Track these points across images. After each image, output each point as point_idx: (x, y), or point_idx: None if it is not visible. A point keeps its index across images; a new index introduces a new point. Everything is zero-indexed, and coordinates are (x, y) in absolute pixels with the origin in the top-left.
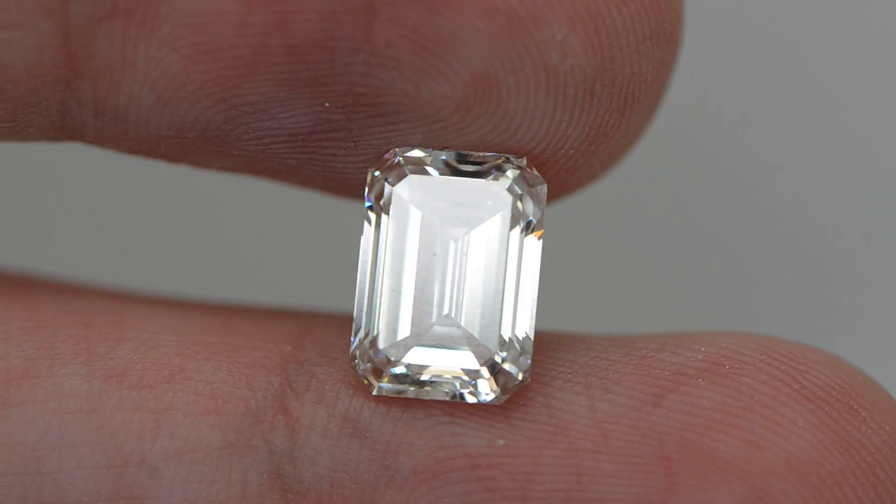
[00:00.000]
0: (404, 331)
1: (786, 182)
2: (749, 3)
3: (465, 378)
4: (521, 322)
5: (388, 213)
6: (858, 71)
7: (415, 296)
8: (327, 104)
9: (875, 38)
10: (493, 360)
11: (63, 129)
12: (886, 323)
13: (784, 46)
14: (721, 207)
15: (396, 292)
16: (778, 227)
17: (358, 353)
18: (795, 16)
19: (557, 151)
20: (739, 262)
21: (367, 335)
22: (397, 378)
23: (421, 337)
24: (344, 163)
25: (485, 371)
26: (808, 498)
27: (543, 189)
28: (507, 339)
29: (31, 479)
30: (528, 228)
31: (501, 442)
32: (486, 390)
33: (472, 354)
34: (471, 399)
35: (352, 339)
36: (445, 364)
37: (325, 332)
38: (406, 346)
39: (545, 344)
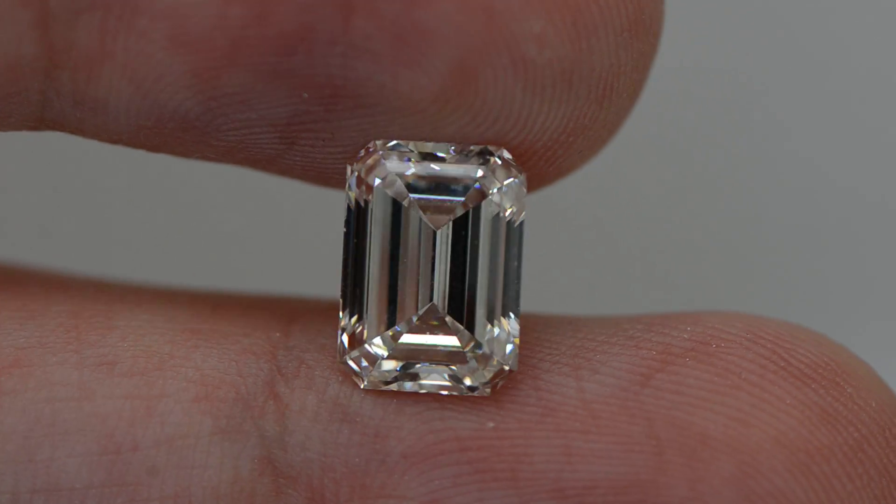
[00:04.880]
0: (389, 323)
1: (768, 165)
2: None
3: (453, 369)
4: (507, 311)
5: (369, 205)
6: (848, 62)
7: (399, 287)
8: (306, 95)
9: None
10: (481, 350)
11: (43, 120)
12: (871, 302)
13: (767, 36)
14: (702, 191)
15: (380, 285)
16: (760, 208)
17: (344, 348)
18: (780, 4)
19: (536, 143)
20: (723, 243)
21: (352, 329)
22: (384, 372)
23: (407, 328)
24: (323, 153)
25: (472, 362)
26: (796, 474)
27: (523, 178)
28: (494, 329)
29: (23, 467)
30: (510, 216)
31: (491, 424)
32: (474, 381)
33: (458, 344)
34: (458, 390)
35: (338, 334)
36: (432, 355)
37: (312, 319)
38: (392, 338)
39: (532, 326)
